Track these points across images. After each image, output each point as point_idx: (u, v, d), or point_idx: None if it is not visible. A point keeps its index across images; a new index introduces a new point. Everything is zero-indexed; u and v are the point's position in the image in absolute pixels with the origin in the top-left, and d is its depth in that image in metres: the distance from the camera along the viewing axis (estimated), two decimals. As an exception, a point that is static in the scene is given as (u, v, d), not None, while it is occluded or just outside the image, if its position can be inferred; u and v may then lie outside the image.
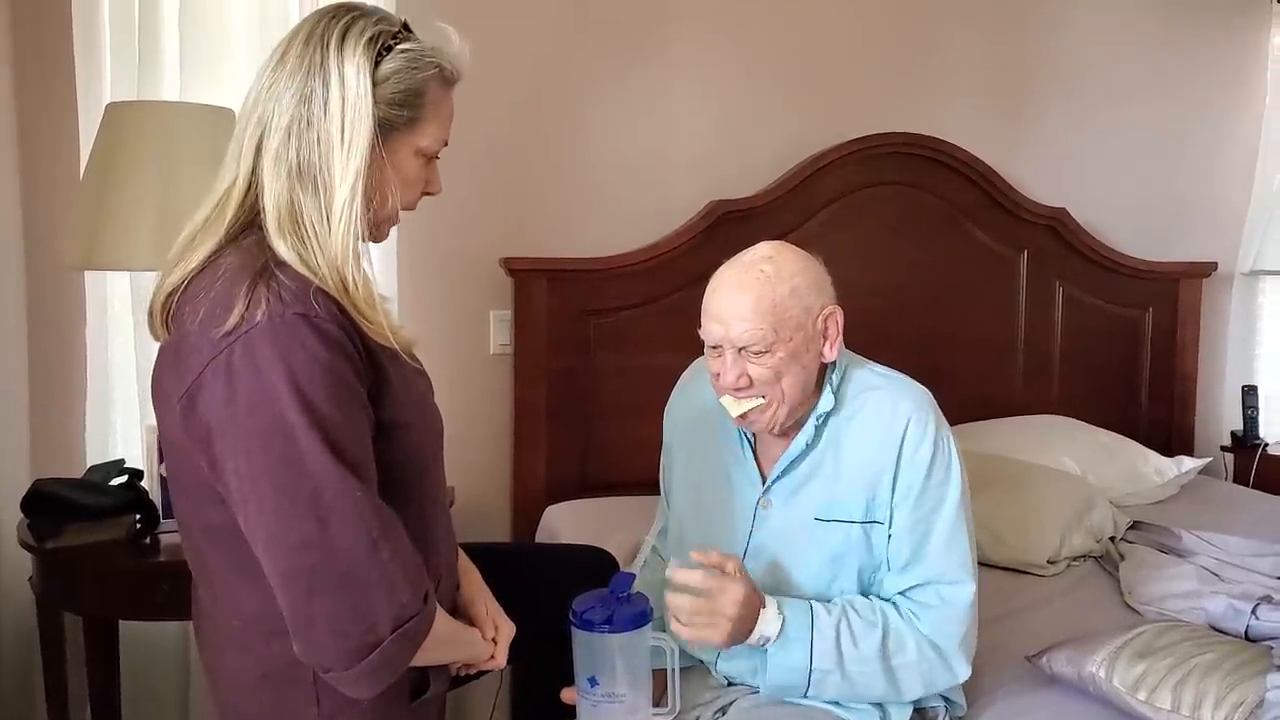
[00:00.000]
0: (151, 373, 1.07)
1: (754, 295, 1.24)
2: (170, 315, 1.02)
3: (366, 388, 0.99)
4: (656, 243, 2.42)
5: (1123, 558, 2.00)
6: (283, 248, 0.98)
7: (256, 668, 1.03)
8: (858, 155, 2.53)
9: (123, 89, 2.02)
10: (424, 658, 1.03)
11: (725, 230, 2.39)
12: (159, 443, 1.08)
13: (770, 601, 1.25)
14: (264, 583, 0.97)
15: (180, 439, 0.99)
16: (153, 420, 1.92)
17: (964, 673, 1.31)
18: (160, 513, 1.75)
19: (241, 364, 0.92)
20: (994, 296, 2.73)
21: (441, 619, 1.04)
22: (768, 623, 1.23)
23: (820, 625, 1.24)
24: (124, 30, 2.03)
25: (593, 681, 1.19)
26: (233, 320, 0.93)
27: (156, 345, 1.83)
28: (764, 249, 1.30)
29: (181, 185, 1.64)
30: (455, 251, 2.34)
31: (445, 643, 1.08)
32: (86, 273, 2.02)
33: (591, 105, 2.43)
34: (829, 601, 1.29)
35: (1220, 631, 1.59)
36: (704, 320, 1.29)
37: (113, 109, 1.73)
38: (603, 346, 2.39)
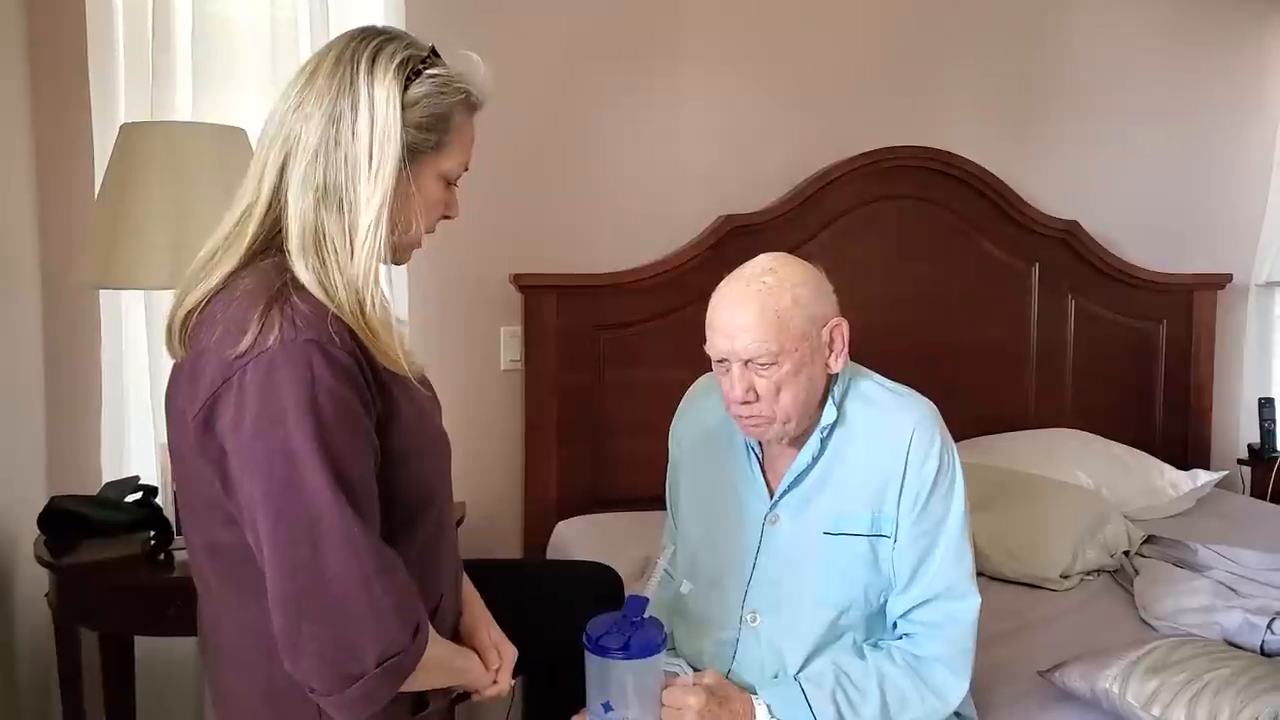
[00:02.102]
0: (165, 389, 1.08)
1: (757, 307, 1.25)
2: (188, 333, 1.03)
3: (375, 418, 0.99)
4: (665, 258, 2.43)
5: (1137, 572, 1.99)
6: (302, 269, 0.98)
7: (258, 685, 1.04)
8: (867, 169, 2.54)
9: (137, 110, 2.05)
10: (416, 683, 1.02)
11: (735, 245, 2.39)
12: (169, 458, 1.09)
13: (759, 705, 1.24)
14: (263, 602, 0.97)
15: (192, 457, 1.00)
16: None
17: (963, 691, 1.30)
18: (175, 529, 1.76)
19: (251, 387, 0.93)
20: (1005, 309, 2.73)
21: (436, 645, 1.04)
22: None
23: (818, 706, 1.24)
24: (138, 52, 2.06)
25: (607, 707, 1.18)
26: (245, 343, 0.93)
27: (171, 363, 1.86)
28: (764, 261, 1.31)
29: (194, 204, 1.66)
30: (466, 268, 2.35)
31: (438, 669, 1.07)
32: (101, 292, 2.04)
33: (601, 121, 2.44)
34: (825, 667, 1.28)
35: (1236, 646, 1.58)
36: (709, 334, 1.30)
37: (127, 129, 1.75)
38: (612, 362, 2.39)
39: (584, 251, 2.42)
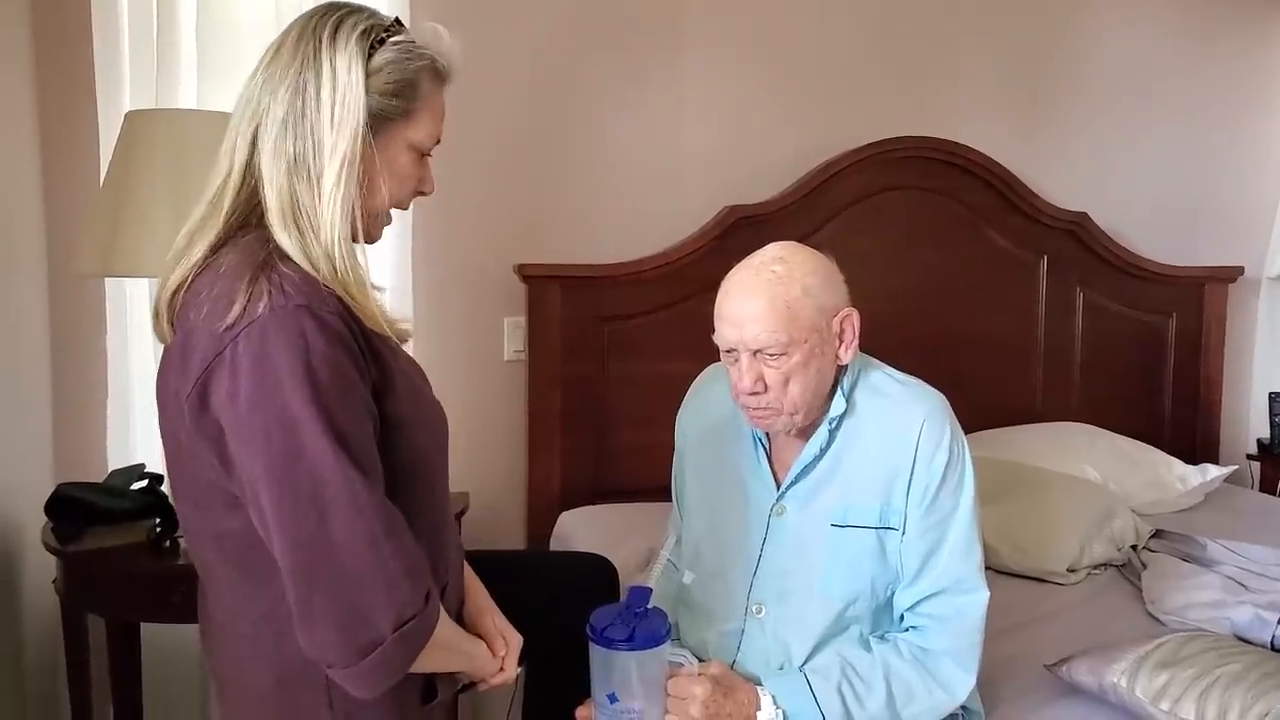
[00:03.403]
0: (157, 376, 1.06)
1: (767, 297, 1.24)
2: (175, 314, 1.02)
3: (370, 384, 0.98)
4: (670, 249, 2.42)
5: (1145, 566, 1.97)
6: (286, 240, 0.98)
7: (269, 673, 1.03)
8: (873, 160, 2.52)
9: (142, 98, 2.04)
10: (427, 663, 1.02)
11: (740, 236, 2.38)
12: (164, 446, 1.07)
13: (764, 695, 1.24)
14: (272, 586, 0.97)
15: (189, 439, 0.98)
16: (172, 426, 1.96)
17: (970, 685, 1.29)
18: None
19: (244, 358, 0.92)
20: (1013, 301, 2.71)
21: (444, 624, 1.03)
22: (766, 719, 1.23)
23: (824, 698, 1.23)
24: (143, 40, 2.05)
25: (612, 698, 1.18)
26: (234, 314, 0.93)
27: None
28: (775, 250, 1.30)
29: (199, 192, 1.66)
30: (470, 259, 2.35)
31: (447, 649, 1.07)
32: (107, 280, 2.04)
33: (606, 111, 2.43)
34: (830, 659, 1.28)
35: (1245, 642, 1.57)
36: (717, 324, 1.29)
37: (131, 117, 1.74)
38: (616, 353, 2.39)
39: (588, 242, 2.41)
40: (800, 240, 1.36)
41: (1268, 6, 2.93)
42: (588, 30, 2.40)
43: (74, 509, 1.81)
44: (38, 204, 2.05)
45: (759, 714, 1.23)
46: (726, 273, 1.32)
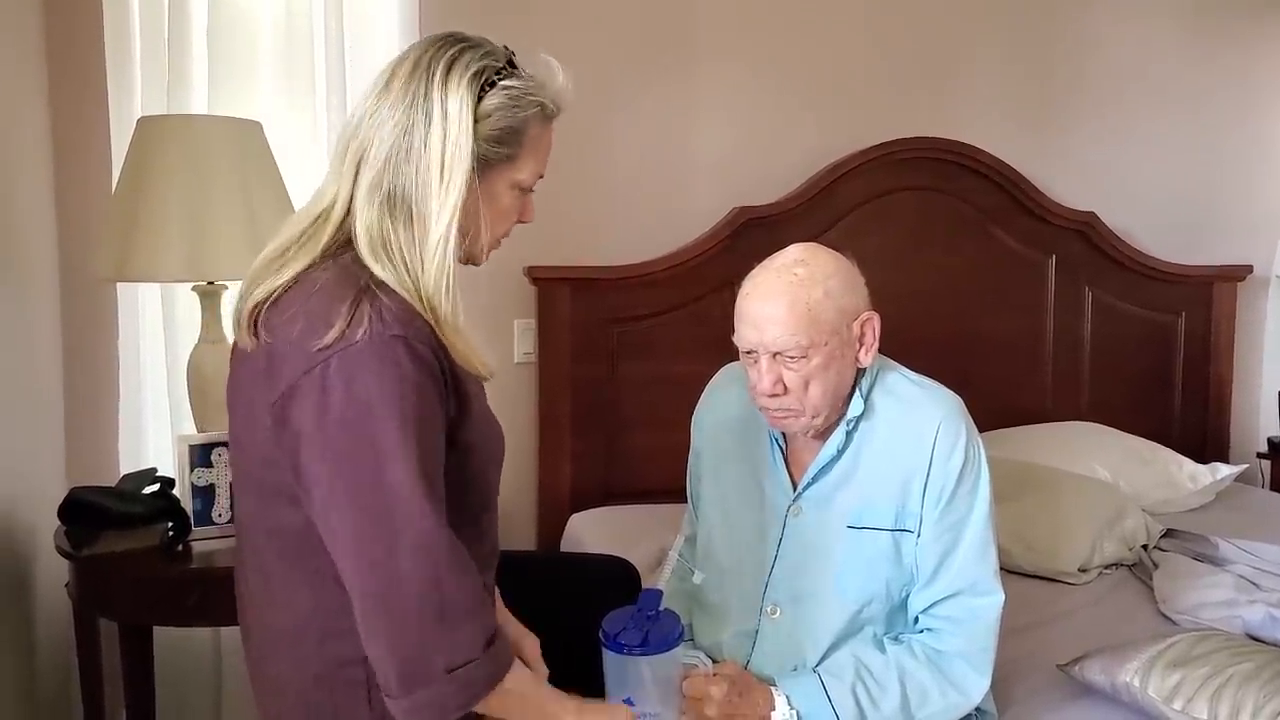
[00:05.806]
0: (229, 377, 1.08)
1: (788, 300, 1.24)
2: (256, 323, 1.03)
3: (448, 415, 1.00)
4: (680, 250, 2.42)
5: (1156, 566, 1.97)
6: (380, 270, 0.99)
7: (309, 669, 1.04)
8: (882, 160, 2.52)
9: (154, 103, 2.06)
10: (493, 706, 1.00)
11: (749, 237, 2.38)
12: (227, 441, 1.08)
13: (779, 696, 1.24)
14: (321, 584, 0.98)
15: (262, 445, 1.00)
16: (184, 430, 1.97)
17: (984, 688, 1.29)
18: (192, 520, 1.77)
19: (336, 379, 0.93)
20: (1022, 302, 2.71)
21: (522, 676, 1.02)
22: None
23: (838, 699, 1.23)
24: (154, 46, 2.07)
25: (629, 703, 1.17)
26: (332, 335, 0.94)
27: (187, 356, 1.85)
28: (796, 252, 1.29)
29: (211, 196, 1.67)
30: (480, 260, 2.35)
31: (522, 700, 1.04)
32: (119, 285, 2.05)
33: (616, 112, 2.43)
34: (845, 660, 1.28)
35: (1258, 641, 1.56)
36: (737, 325, 1.29)
37: (144, 123, 1.76)
38: (626, 354, 2.39)
39: (598, 244, 2.41)
40: (809, 241, 1.36)
41: (1275, 6, 2.92)
42: (599, 33, 2.41)
43: (87, 513, 1.81)
44: (50, 210, 2.06)
45: (774, 714, 1.23)
46: (736, 273, 1.32)
